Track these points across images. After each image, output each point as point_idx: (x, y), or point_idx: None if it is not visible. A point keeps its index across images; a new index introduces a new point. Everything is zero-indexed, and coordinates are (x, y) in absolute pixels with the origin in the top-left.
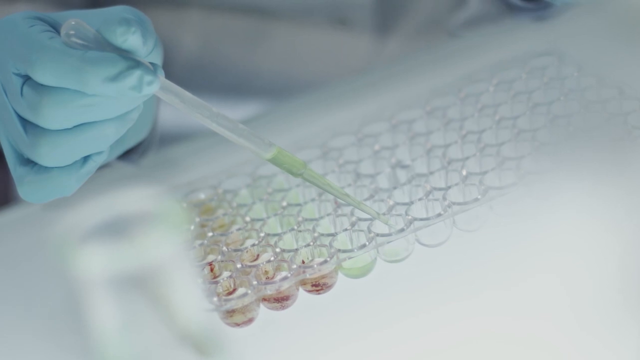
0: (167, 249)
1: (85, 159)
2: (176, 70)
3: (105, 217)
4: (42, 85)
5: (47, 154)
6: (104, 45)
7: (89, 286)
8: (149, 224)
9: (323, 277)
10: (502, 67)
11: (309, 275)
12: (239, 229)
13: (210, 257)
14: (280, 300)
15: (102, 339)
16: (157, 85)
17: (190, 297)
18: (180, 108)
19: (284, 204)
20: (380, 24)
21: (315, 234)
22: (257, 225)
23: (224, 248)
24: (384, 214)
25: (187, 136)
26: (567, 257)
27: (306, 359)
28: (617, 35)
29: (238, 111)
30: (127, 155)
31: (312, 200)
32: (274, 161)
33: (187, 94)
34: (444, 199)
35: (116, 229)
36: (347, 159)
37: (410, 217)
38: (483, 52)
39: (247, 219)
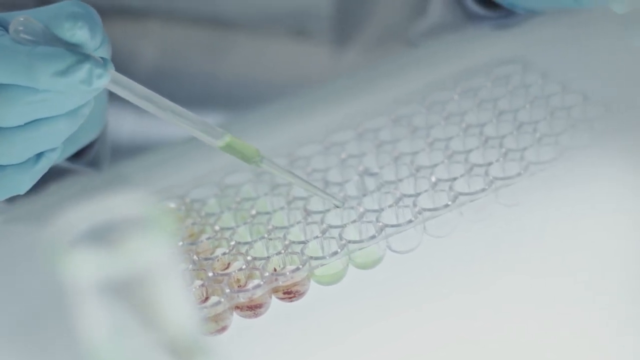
0: (154, 254)
1: (39, 156)
2: (136, 80)
3: (92, 223)
4: None
5: (0, 152)
6: (53, 41)
7: (77, 292)
8: (137, 229)
9: (295, 284)
10: (466, 76)
11: (282, 282)
12: (208, 238)
13: (181, 267)
14: (253, 308)
15: (90, 346)
16: (107, 78)
17: (177, 303)
18: (132, 100)
19: (253, 212)
20: (340, 34)
21: (286, 242)
22: (227, 234)
23: (195, 257)
24: (344, 204)
25: (150, 147)
26: (538, 261)
27: None
28: (580, 42)
29: None
30: (80, 156)
31: (282, 208)
32: (227, 149)
33: (138, 86)
34: (414, 205)
35: (103, 235)
36: (315, 167)
37: (381, 224)
38: (445, 61)
39: (217, 227)
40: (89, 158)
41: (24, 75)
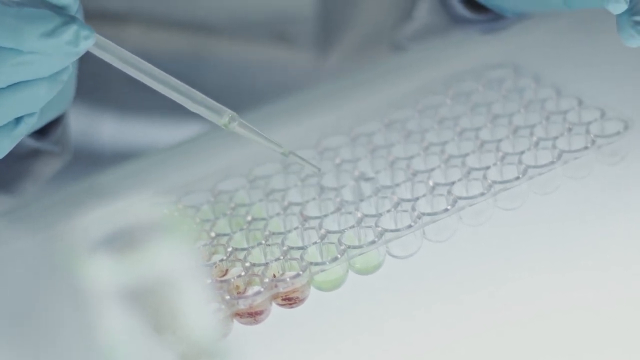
0: (172, 259)
1: (18, 120)
2: (116, 86)
3: (108, 229)
4: None
5: None
6: (37, 3)
7: (93, 296)
8: (152, 234)
9: (295, 290)
10: (456, 80)
11: (282, 289)
12: (204, 245)
13: (196, 270)
14: (254, 315)
15: (105, 350)
16: (92, 39)
17: (191, 308)
18: (117, 65)
19: (249, 218)
20: (322, 39)
21: (285, 248)
22: (223, 240)
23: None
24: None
25: (141, 153)
26: (539, 264)
27: None
28: (570, 45)
29: (182, 129)
30: (46, 135)
31: (277, 214)
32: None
33: (122, 50)
34: (413, 210)
35: (118, 241)
36: (309, 172)
37: (380, 229)
38: (434, 64)
39: (212, 234)
40: (56, 136)
41: (11, 37)
